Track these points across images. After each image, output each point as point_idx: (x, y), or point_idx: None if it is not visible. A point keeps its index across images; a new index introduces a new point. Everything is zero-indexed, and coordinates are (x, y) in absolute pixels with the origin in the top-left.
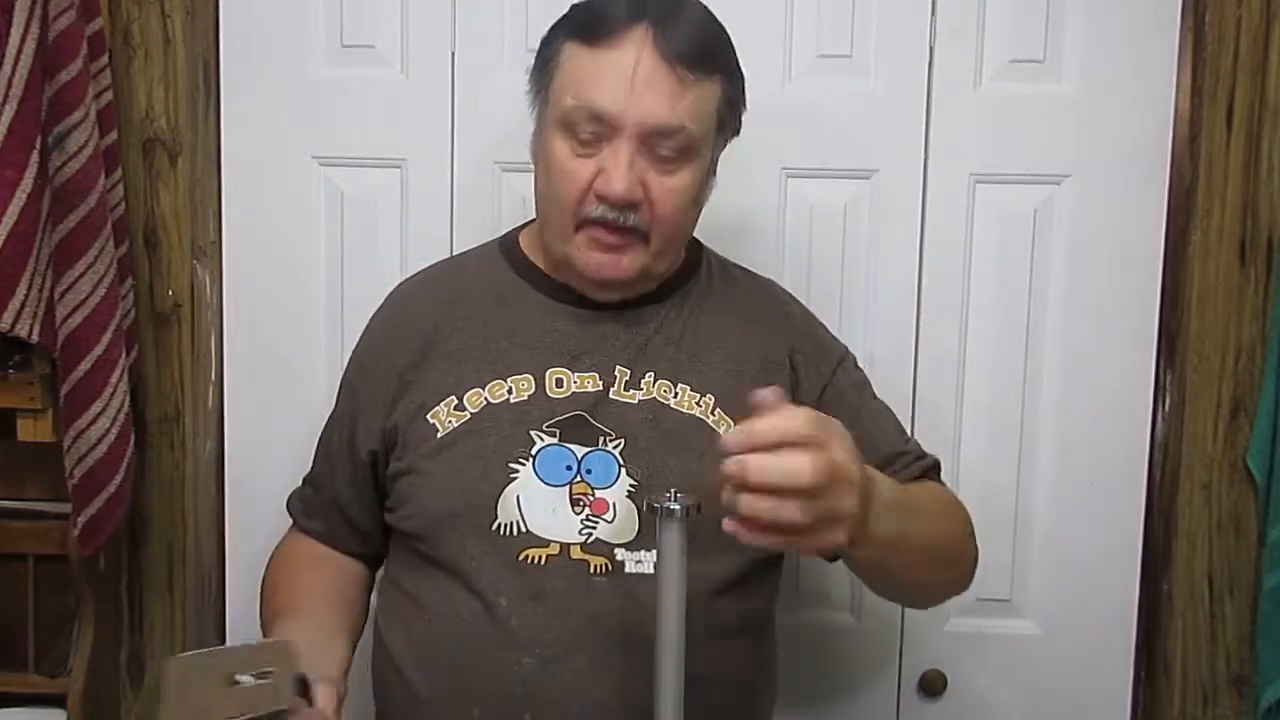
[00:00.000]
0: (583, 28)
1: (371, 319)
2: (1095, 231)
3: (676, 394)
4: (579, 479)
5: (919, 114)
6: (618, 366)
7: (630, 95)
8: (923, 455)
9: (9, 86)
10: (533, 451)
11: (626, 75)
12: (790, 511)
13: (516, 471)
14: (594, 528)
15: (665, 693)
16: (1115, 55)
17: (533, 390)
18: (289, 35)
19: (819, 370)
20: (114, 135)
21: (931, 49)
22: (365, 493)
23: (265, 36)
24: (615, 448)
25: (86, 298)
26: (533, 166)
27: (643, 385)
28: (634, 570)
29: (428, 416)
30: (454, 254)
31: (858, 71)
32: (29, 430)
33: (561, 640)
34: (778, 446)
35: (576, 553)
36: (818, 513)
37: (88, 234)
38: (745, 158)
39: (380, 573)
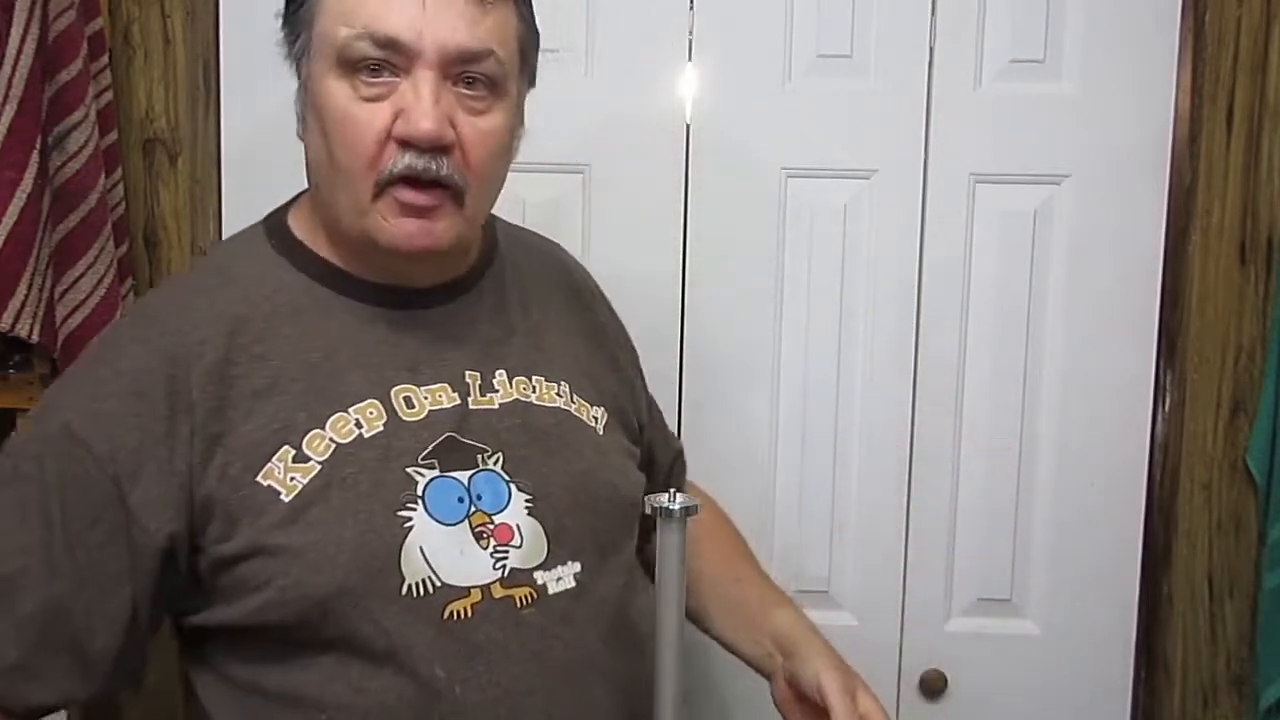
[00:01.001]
0: None
1: (106, 350)
2: (1095, 231)
3: (535, 388)
4: (474, 509)
5: (919, 114)
6: (467, 371)
7: (425, 14)
8: (680, 448)
9: (9, 86)
10: (419, 491)
11: None
12: None
13: (409, 519)
14: (505, 557)
15: (665, 692)
16: (1115, 55)
17: (385, 418)
18: None
19: (628, 350)
20: (114, 135)
21: (931, 49)
22: (129, 598)
23: (265, 36)
24: (496, 464)
25: (86, 298)
26: (306, 141)
27: (498, 387)
28: (557, 590)
29: (259, 479)
30: (207, 255)
31: (858, 71)
32: None
33: (512, 693)
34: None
35: (498, 591)
36: None
37: (88, 234)
38: (745, 158)
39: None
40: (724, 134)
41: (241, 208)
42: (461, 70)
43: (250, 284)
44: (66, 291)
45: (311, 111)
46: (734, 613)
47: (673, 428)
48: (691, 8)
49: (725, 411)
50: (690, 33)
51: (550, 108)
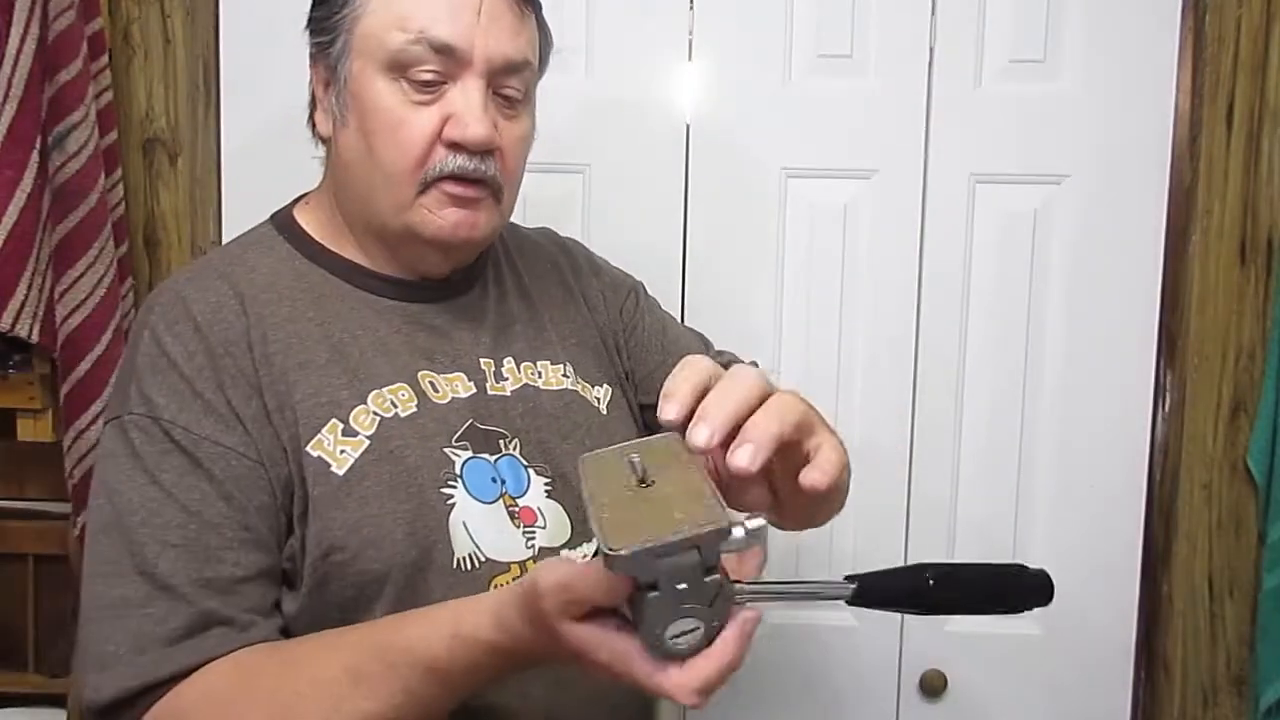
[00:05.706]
0: None
1: (161, 332)
2: (1095, 231)
3: (540, 373)
4: (504, 491)
5: (919, 114)
6: (481, 360)
7: (478, 26)
8: (731, 358)
9: (9, 86)
10: (457, 470)
11: (472, 4)
12: (765, 418)
13: (452, 496)
14: (534, 537)
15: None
16: (1115, 55)
17: (416, 400)
18: (289, 35)
19: (619, 296)
20: (114, 135)
21: (931, 49)
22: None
23: (265, 36)
24: (515, 449)
25: (86, 298)
26: (329, 136)
27: (507, 374)
28: None
29: (309, 449)
30: (218, 249)
31: (858, 71)
32: (29, 430)
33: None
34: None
35: (531, 569)
36: (783, 415)
37: (88, 234)
38: (745, 158)
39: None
40: (724, 134)
41: (241, 208)
42: (503, 80)
43: (268, 273)
44: (66, 291)
45: (353, 112)
46: None
47: None
48: (691, 8)
49: None
50: (690, 33)
51: (550, 108)
